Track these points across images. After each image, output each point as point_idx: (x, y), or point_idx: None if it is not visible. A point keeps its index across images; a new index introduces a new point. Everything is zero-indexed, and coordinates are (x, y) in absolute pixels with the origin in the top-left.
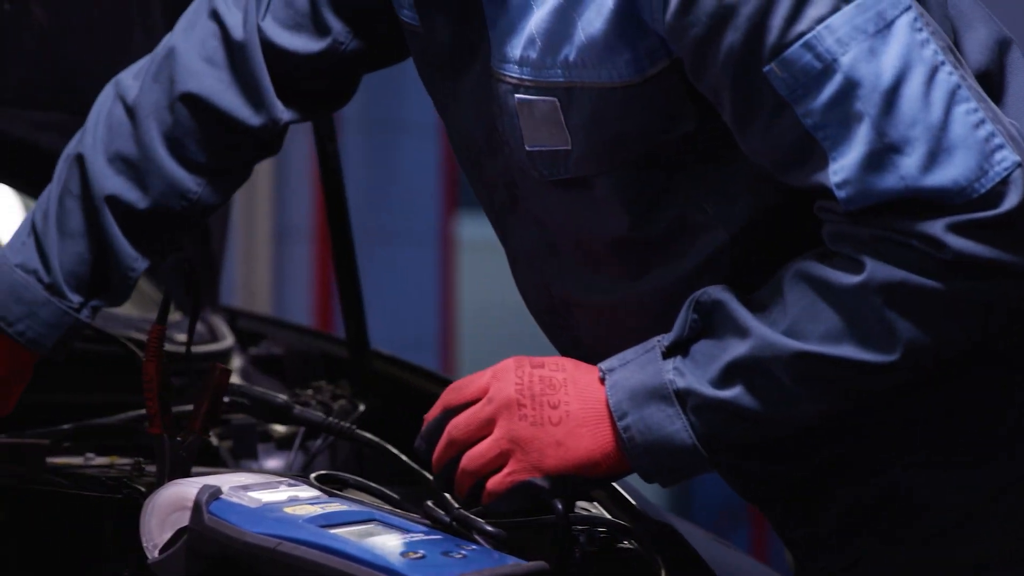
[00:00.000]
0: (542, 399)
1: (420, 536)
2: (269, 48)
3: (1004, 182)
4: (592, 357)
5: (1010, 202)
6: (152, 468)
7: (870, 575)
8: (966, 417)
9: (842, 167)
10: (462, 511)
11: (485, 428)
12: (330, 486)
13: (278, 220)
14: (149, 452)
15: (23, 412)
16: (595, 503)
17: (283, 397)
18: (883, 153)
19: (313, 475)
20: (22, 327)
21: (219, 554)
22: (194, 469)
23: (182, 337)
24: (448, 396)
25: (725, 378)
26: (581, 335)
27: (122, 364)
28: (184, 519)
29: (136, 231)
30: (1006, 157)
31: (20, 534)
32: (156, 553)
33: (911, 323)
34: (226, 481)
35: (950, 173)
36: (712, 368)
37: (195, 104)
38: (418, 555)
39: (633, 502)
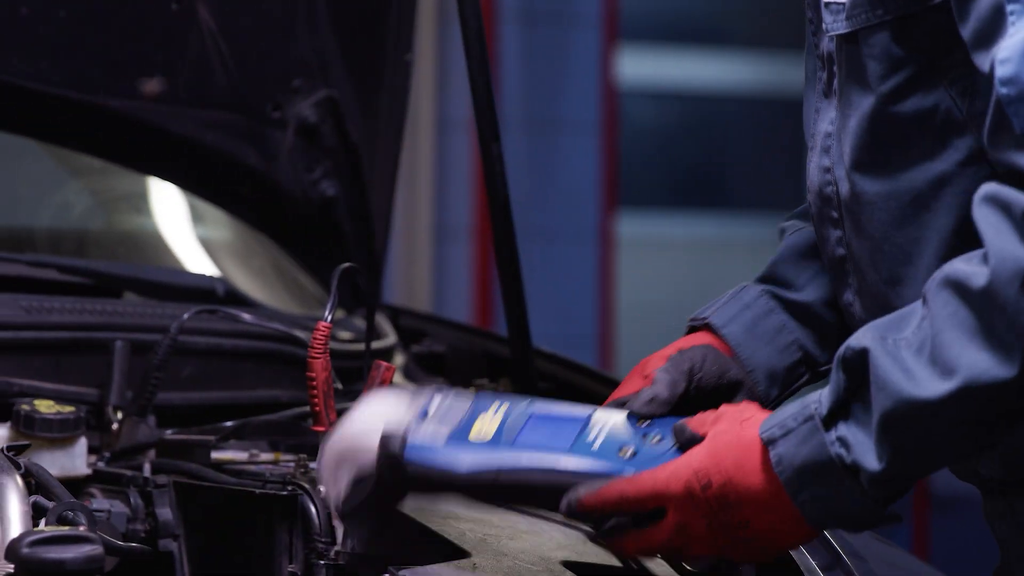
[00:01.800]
0: (728, 520)
1: (600, 417)
2: None
3: None
4: (853, 261)
5: None
6: (316, 465)
7: None
8: None
9: (1009, 44)
10: None
11: (684, 539)
12: None
13: (438, 219)
14: (314, 449)
15: (190, 409)
16: None
17: None
18: None
19: None
20: None
21: (424, 497)
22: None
23: (345, 335)
24: (626, 490)
25: (883, 440)
26: (845, 233)
27: (287, 361)
28: (361, 465)
29: None
30: None
31: (187, 529)
32: (340, 500)
33: None
34: (382, 414)
35: None
36: (871, 433)
37: None
38: (629, 451)
39: None
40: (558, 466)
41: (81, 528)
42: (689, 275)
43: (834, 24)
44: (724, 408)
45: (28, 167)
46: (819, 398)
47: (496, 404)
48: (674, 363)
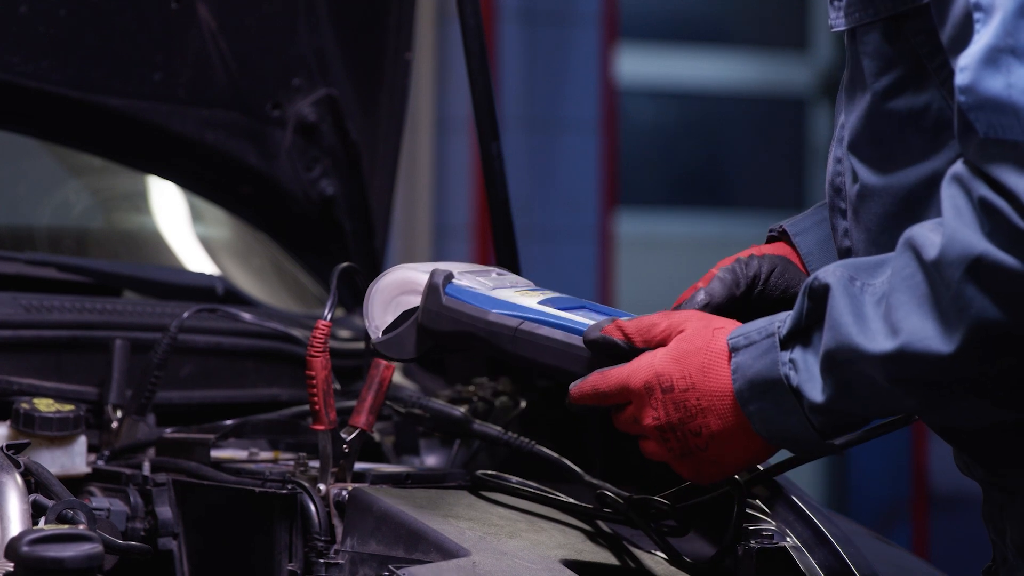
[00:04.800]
0: (683, 430)
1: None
2: None
3: None
4: (855, 254)
5: None
6: (315, 463)
7: None
8: None
9: (970, 52)
10: (637, 497)
11: (639, 430)
12: (489, 489)
13: (438, 218)
14: (313, 448)
15: (190, 408)
16: (757, 500)
17: (461, 410)
18: (1003, 53)
19: (477, 472)
20: None
21: (453, 332)
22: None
23: (344, 334)
24: (598, 382)
25: (826, 375)
26: (848, 224)
27: (287, 359)
28: (408, 302)
29: None
30: None
31: (187, 527)
32: (379, 334)
33: (982, 307)
34: (449, 267)
35: None
36: (818, 364)
37: None
38: None
39: (799, 502)
40: (575, 326)
41: (80, 526)
42: (689, 274)
43: (836, 20)
44: (692, 314)
45: (28, 166)
46: (785, 318)
47: (553, 292)
48: (740, 265)
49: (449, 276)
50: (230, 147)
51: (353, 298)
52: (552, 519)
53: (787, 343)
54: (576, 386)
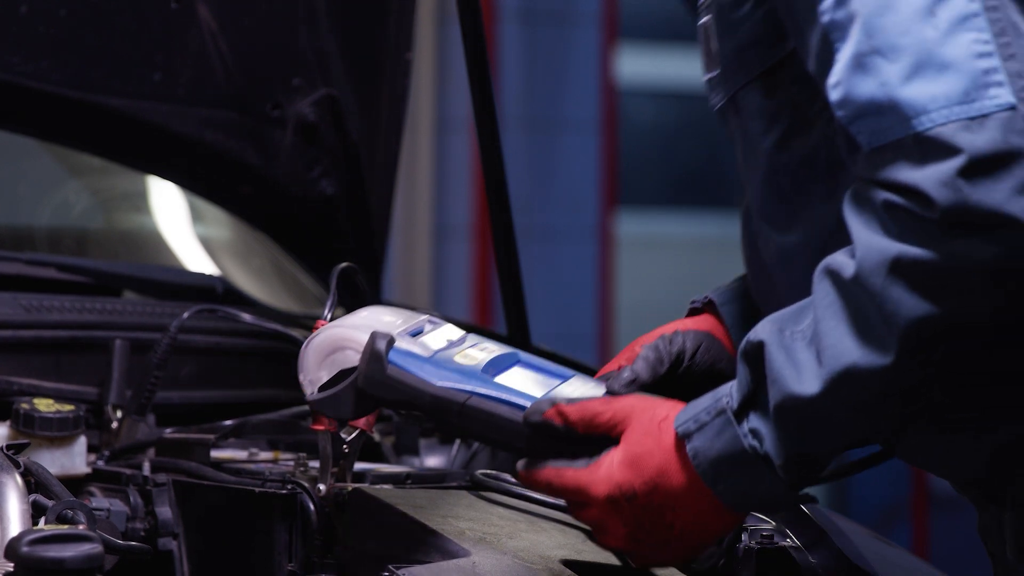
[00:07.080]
0: (655, 527)
1: (578, 381)
2: None
3: (988, 117)
4: (776, 292)
5: (988, 141)
6: (315, 463)
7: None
8: None
9: (836, 69)
10: None
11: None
12: (489, 489)
13: (438, 218)
14: (313, 448)
15: (189, 408)
16: None
17: None
18: (869, 56)
19: (477, 472)
20: None
21: (396, 400)
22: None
23: None
24: (553, 479)
25: (781, 430)
26: (786, 285)
27: (287, 359)
28: (345, 360)
29: None
30: (1000, 95)
31: (187, 528)
32: (315, 390)
33: (912, 306)
34: (378, 320)
35: (931, 89)
36: (777, 422)
37: None
38: None
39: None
40: (522, 401)
41: (80, 527)
42: (689, 274)
43: (716, 99)
44: (634, 403)
45: (28, 166)
46: (730, 391)
47: (486, 343)
48: (664, 343)
49: (391, 341)
50: (230, 147)
51: (353, 298)
52: (552, 519)
53: (741, 415)
54: (526, 472)
